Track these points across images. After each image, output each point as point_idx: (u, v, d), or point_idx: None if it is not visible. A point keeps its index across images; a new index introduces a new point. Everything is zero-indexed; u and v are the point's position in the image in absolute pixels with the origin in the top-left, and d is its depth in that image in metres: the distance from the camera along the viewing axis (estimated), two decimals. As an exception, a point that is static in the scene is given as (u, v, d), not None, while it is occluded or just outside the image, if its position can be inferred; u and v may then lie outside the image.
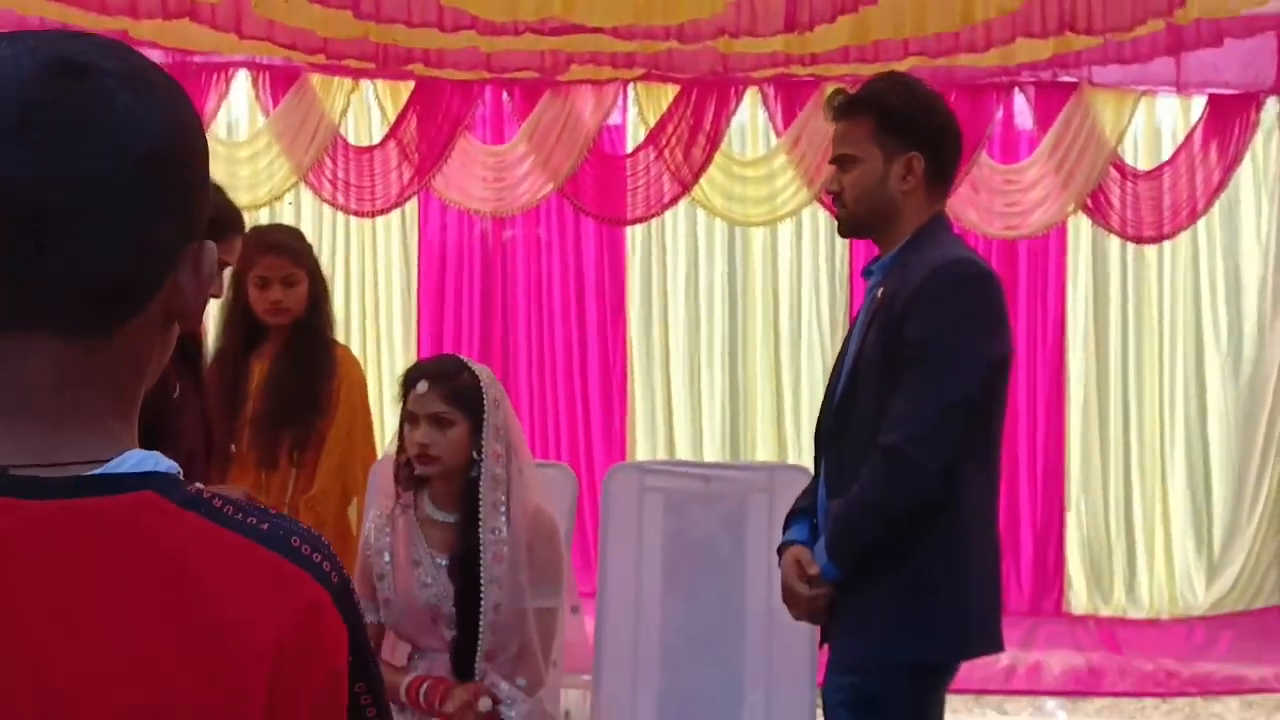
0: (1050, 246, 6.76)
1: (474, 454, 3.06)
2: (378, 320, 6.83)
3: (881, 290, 2.80)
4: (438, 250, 6.86)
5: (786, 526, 2.91)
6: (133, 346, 0.92)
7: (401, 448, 3.12)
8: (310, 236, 6.63)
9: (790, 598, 2.82)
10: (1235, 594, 6.66)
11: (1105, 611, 6.81)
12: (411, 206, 6.73)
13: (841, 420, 2.82)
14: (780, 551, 2.88)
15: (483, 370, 3.19)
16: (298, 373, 3.64)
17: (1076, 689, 6.68)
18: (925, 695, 2.77)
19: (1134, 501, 6.74)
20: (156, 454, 0.91)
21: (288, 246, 3.72)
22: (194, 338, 2.98)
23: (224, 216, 2.86)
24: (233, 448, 3.53)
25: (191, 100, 0.97)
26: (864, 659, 2.74)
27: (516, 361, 6.82)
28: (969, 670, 6.51)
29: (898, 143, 2.80)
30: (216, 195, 2.94)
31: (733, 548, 3.69)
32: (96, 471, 0.88)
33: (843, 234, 3.03)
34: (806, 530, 2.87)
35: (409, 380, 3.14)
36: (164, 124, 0.90)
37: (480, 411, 3.07)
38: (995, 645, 2.84)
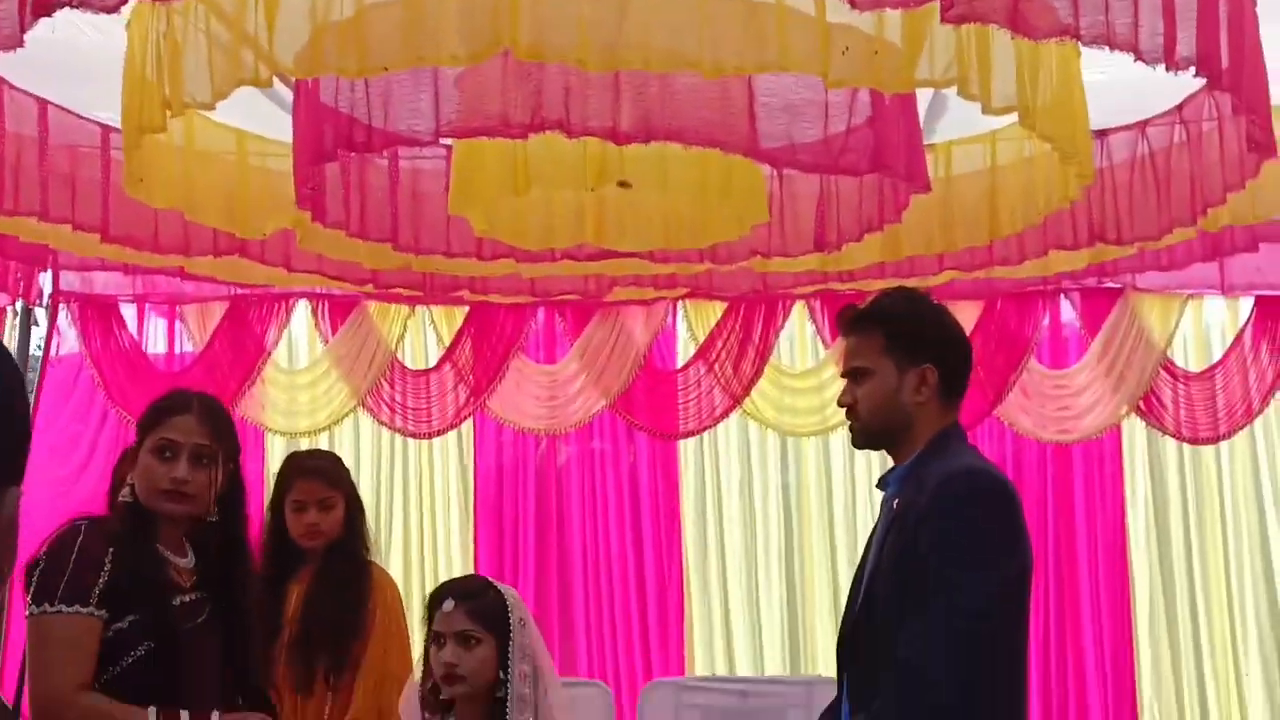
0: (1105, 450, 6.72)
1: (500, 674, 3.06)
2: (435, 540, 6.89)
3: (896, 501, 2.81)
4: (494, 469, 6.94)
5: None
6: None
7: (427, 671, 3.13)
8: (368, 458, 6.86)
9: (815, 817, 2.77)
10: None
11: (1187, 816, 6.54)
12: (467, 427, 6.84)
13: (859, 634, 2.80)
14: None
15: (508, 591, 3.21)
16: (333, 597, 3.68)
17: None
18: None
19: (1209, 706, 6.53)
20: None
21: (323, 471, 3.81)
22: (237, 566, 3.00)
23: (164, 404, 2.92)
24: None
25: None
26: None
27: (572, 578, 6.82)
28: None
29: (910, 356, 2.84)
30: (172, 393, 2.97)
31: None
32: None
33: (857, 445, 3.04)
34: None
35: (436, 599, 3.17)
36: None
37: (507, 631, 3.09)
38: None
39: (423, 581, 6.68)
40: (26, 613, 2.73)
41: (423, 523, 6.91)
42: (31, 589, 2.71)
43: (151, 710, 2.70)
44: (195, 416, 2.88)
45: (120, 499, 2.85)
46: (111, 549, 2.74)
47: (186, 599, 2.84)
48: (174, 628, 2.77)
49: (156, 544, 2.84)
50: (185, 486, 2.83)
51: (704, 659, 6.71)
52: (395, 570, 6.39)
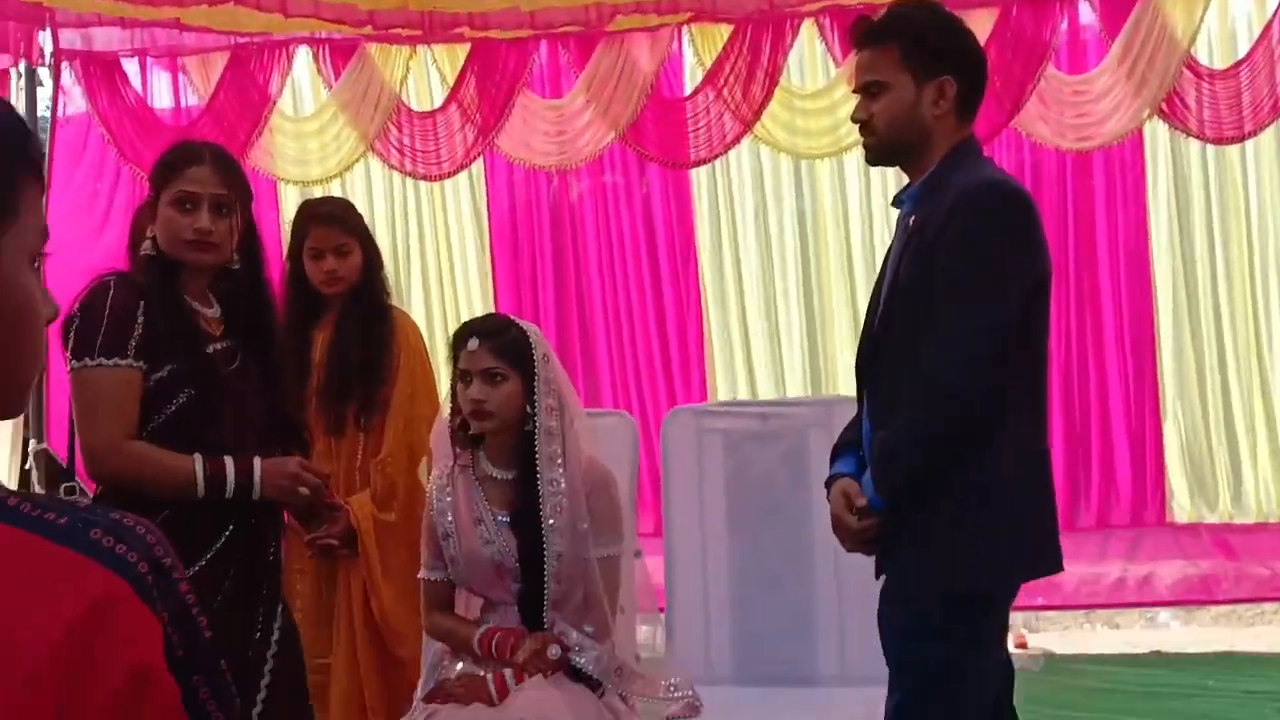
0: (1127, 156, 6.62)
1: (528, 408, 3.11)
2: (454, 282, 6.92)
3: (914, 218, 2.78)
4: (507, 209, 6.92)
5: (833, 460, 2.91)
6: None
7: (456, 408, 3.18)
8: (382, 204, 6.84)
9: (840, 530, 2.82)
10: (1348, 493, 6.52)
11: (1211, 519, 6.70)
12: (478, 167, 6.79)
13: (880, 351, 2.81)
14: (828, 485, 2.88)
15: (530, 328, 3.23)
16: (358, 342, 3.71)
17: (1190, 598, 6.60)
18: (980, 622, 2.71)
19: (1233, 404, 6.61)
20: None
21: (336, 217, 3.78)
22: (264, 312, 3.02)
23: (173, 157, 2.91)
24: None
25: None
26: (916, 590, 2.71)
27: (592, 312, 6.87)
28: (1077, 586, 6.54)
29: (928, 68, 2.76)
30: (178, 144, 3.02)
31: (794, 483, 3.70)
32: None
33: (870, 162, 2.99)
34: (854, 463, 2.86)
35: (460, 338, 3.19)
36: None
37: (531, 366, 3.12)
38: (1051, 567, 2.77)
39: (445, 323, 6.74)
40: (68, 368, 2.78)
41: (441, 266, 6.93)
42: (70, 345, 2.77)
43: (197, 457, 2.77)
44: (210, 167, 2.87)
45: (142, 253, 2.85)
46: (142, 301, 2.77)
47: (219, 346, 2.87)
48: (213, 373, 2.82)
49: (184, 294, 2.86)
50: (209, 236, 2.84)
51: (726, 386, 6.81)
52: (417, 314, 6.45)
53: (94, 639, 0.88)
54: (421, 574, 3.30)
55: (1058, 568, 2.78)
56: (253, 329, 2.96)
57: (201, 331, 2.85)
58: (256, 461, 2.84)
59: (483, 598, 3.27)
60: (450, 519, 3.22)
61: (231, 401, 2.84)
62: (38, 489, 5.37)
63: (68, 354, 2.77)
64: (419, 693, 3.31)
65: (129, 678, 0.89)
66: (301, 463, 2.96)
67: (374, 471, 3.72)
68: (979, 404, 2.60)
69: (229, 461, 2.79)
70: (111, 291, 2.77)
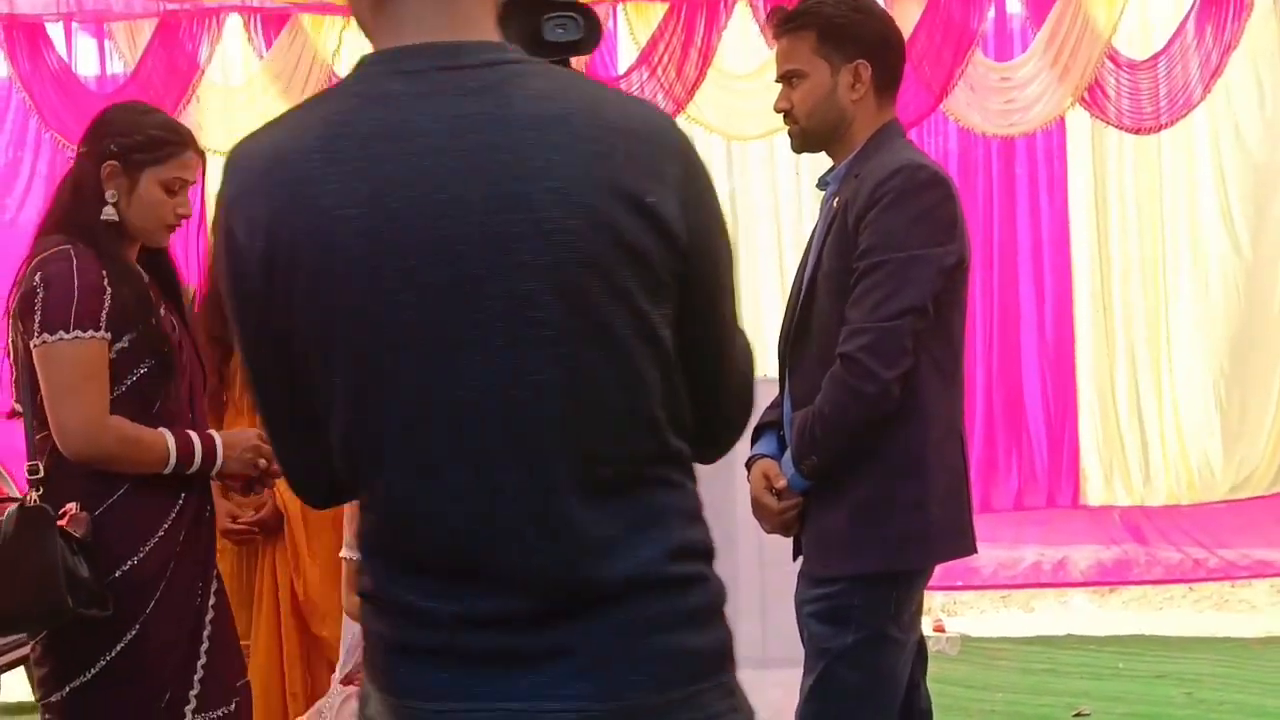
0: (1051, 142, 6.74)
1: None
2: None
3: (836, 200, 2.81)
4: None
5: (754, 440, 2.93)
6: None
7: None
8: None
9: (760, 511, 2.85)
10: (1257, 477, 6.67)
11: (1124, 501, 6.84)
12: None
13: (802, 333, 2.83)
14: (749, 466, 2.91)
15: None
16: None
17: (1104, 580, 6.74)
18: (895, 603, 2.72)
19: (1144, 390, 6.76)
20: None
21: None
22: (177, 279, 2.99)
23: (167, 137, 2.86)
24: (224, 396, 3.59)
25: None
26: (832, 572, 2.73)
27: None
28: (995, 569, 6.64)
29: (842, 52, 2.79)
30: (157, 118, 2.93)
31: (715, 464, 3.72)
32: None
33: (796, 150, 3.02)
34: (774, 443, 2.89)
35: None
36: None
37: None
38: (965, 548, 2.80)
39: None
40: (34, 344, 2.69)
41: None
42: (37, 319, 2.68)
43: (168, 433, 2.76)
44: (196, 154, 2.88)
45: (104, 219, 2.78)
46: (105, 271, 2.73)
47: (163, 316, 2.85)
48: (167, 342, 2.79)
49: (133, 263, 2.83)
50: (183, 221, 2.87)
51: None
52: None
53: None
54: (344, 553, 3.30)
55: (970, 550, 2.83)
56: (172, 297, 2.94)
57: (152, 301, 2.83)
58: (218, 436, 2.86)
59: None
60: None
61: (181, 370, 2.84)
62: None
63: (34, 329, 2.69)
64: (338, 674, 3.31)
65: None
66: (259, 434, 2.95)
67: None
68: (892, 388, 2.63)
69: (195, 436, 2.80)
70: (75, 261, 2.71)
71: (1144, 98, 6.41)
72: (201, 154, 2.90)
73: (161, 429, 2.77)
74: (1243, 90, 6.54)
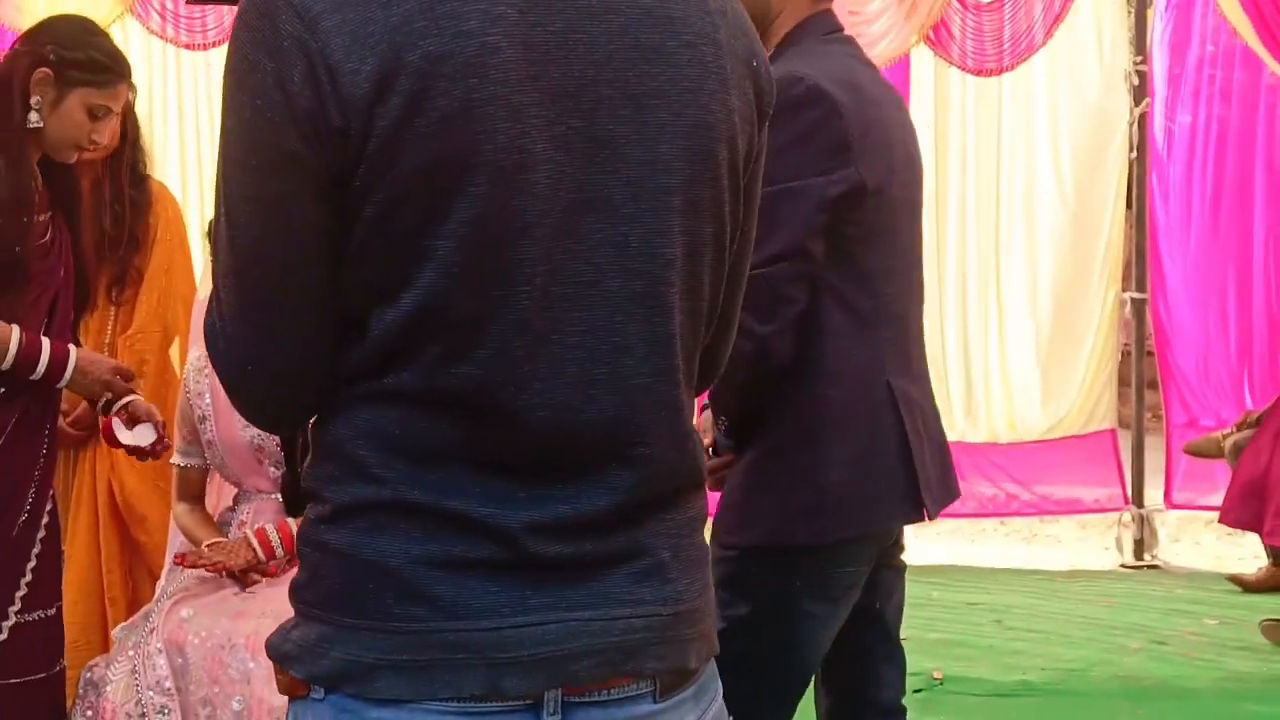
0: (894, 80, 6.77)
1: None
2: (202, 156, 6.65)
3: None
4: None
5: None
6: None
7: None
8: (140, 72, 6.48)
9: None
10: (1071, 418, 6.87)
11: (948, 438, 6.99)
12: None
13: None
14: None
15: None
16: (112, 209, 3.54)
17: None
18: (809, 574, 2.35)
19: (970, 328, 6.89)
20: None
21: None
22: (77, 186, 3.02)
23: (107, 63, 2.87)
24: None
25: None
26: (729, 539, 2.36)
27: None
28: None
29: None
30: (102, 41, 2.94)
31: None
32: None
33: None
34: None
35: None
36: None
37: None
38: (884, 518, 2.40)
39: (202, 202, 6.49)
40: None
41: (199, 140, 6.66)
42: None
43: (15, 329, 2.74)
44: (126, 84, 2.92)
45: (30, 126, 2.77)
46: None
47: (40, 218, 2.86)
48: (21, 243, 2.77)
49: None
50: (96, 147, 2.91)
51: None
52: (173, 189, 6.19)
53: None
54: (175, 459, 3.20)
55: (893, 520, 2.45)
56: (69, 203, 2.97)
57: (32, 203, 2.82)
58: (72, 349, 2.85)
59: (238, 485, 3.19)
60: (208, 401, 3.13)
61: (30, 278, 2.81)
62: None
63: None
64: (163, 581, 3.22)
65: None
66: (117, 367, 2.96)
67: (123, 347, 3.58)
68: (773, 339, 2.24)
69: (45, 343, 2.77)
70: None
71: (988, 40, 6.49)
72: (133, 87, 2.98)
73: (14, 325, 2.74)
74: (1084, 38, 6.64)
